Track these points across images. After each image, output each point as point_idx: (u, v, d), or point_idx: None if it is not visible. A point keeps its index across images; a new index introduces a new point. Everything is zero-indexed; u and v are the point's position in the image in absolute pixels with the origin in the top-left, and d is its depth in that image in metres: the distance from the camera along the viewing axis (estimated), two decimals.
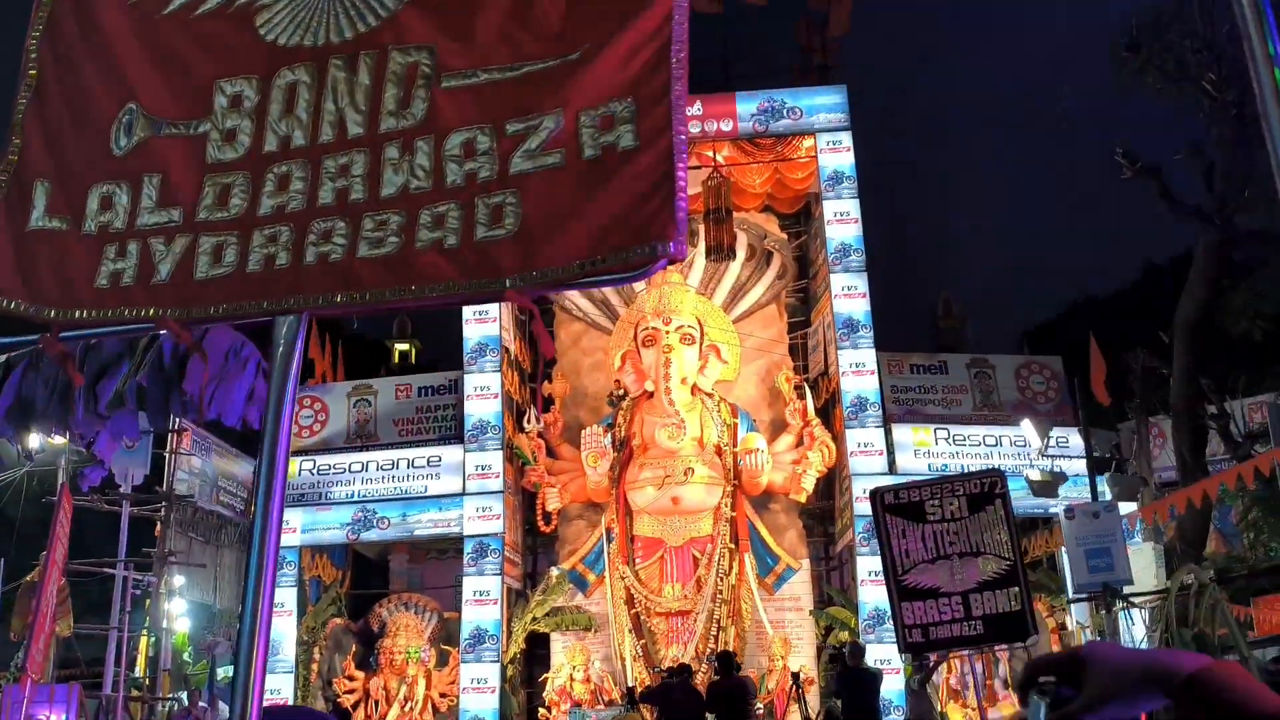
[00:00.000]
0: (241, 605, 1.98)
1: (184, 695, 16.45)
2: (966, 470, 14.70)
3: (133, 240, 2.39)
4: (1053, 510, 17.31)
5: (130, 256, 2.37)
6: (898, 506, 7.87)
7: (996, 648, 11.01)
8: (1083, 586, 8.86)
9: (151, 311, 2.30)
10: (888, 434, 18.64)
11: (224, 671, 21.03)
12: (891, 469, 18.17)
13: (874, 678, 9.50)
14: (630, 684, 17.88)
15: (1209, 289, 13.29)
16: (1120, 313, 33.86)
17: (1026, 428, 14.37)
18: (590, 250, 2.07)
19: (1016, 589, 7.49)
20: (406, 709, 18.51)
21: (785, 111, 19.97)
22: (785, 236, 21.58)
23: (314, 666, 19.02)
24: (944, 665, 14.62)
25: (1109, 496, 12.09)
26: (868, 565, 17.81)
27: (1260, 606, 10.80)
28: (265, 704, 1.94)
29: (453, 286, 2.15)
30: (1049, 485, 12.19)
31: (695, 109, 19.91)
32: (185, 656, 19.50)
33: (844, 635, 18.41)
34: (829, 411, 20.13)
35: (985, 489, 7.79)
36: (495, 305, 19.35)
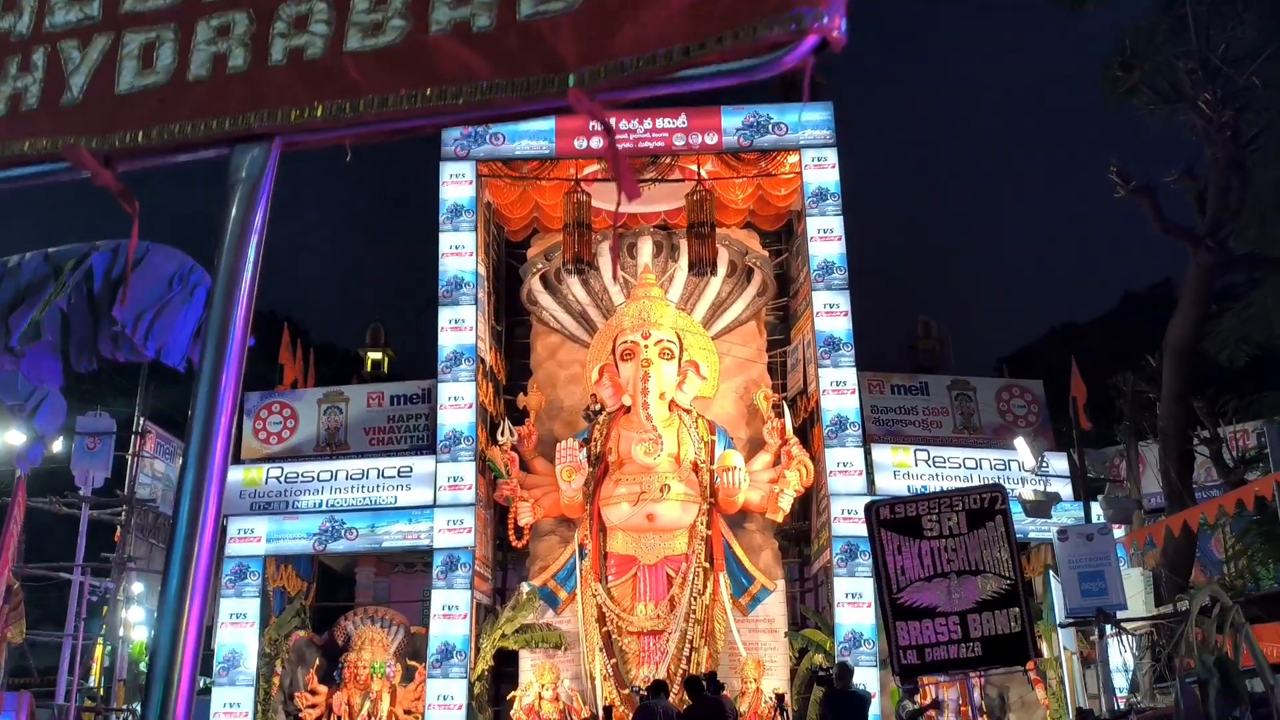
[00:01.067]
0: (166, 562, 1.52)
1: (138, 706, 15.93)
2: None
3: (39, 47, 1.83)
4: (1031, 536, 17.15)
5: (35, 70, 1.81)
6: (893, 521, 7.56)
7: (973, 673, 10.72)
8: (1075, 611, 8.57)
9: (60, 141, 1.72)
10: (867, 454, 18.41)
11: None
12: (870, 489, 17.93)
13: (863, 701, 9.14)
14: (605, 703, 17.53)
15: (1200, 312, 13.14)
16: (1099, 340, 33.97)
17: (1020, 446, 14.16)
18: (693, 27, 1.42)
19: (1017, 610, 7.19)
20: None
21: (770, 127, 19.80)
22: (767, 254, 21.39)
23: (275, 680, 18.52)
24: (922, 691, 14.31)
25: (1103, 519, 11.86)
26: (845, 587, 17.59)
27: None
28: None
29: (489, 90, 1.52)
30: (1042, 505, 11.95)
31: (680, 121, 19.75)
32: (142, 666, 18.91)
33: (818, 658, 18.14)
34: (807, 431, 19.91)
35: (985, 504, 7.50)
36: (471, 312, 19.00)
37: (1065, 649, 14.48)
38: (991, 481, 10.97)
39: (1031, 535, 16.99)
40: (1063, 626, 9.85)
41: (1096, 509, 12.81)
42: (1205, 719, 5.87)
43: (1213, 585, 7.64)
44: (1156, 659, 10.54)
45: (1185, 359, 13.22)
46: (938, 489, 17.30)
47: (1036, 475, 13.46)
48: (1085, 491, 12.05)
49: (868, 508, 7.92)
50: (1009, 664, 7.53)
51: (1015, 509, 12.28)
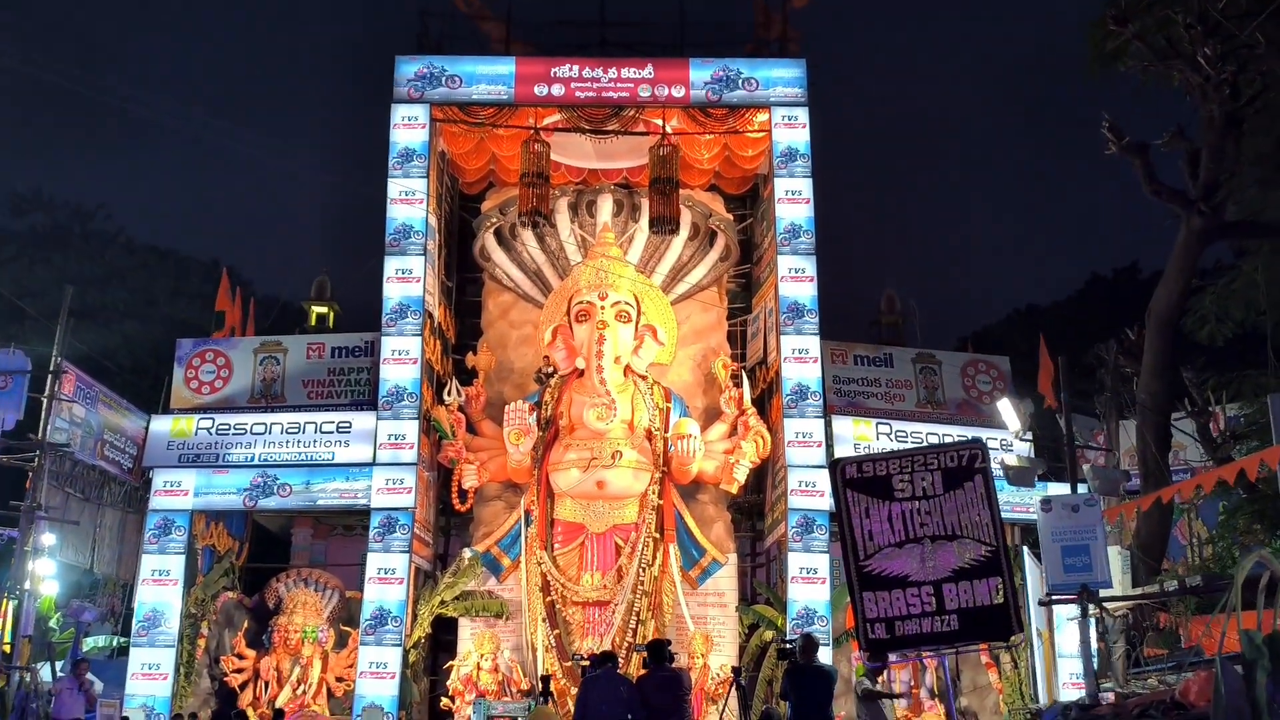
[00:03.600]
0: None
1: (42, 666, 15.00)
2: None
3: None
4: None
5: None
6: (861, 481, 6.81)
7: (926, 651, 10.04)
8: (1058, 588, 7.88)
9: None
10: (827, 425, 17.75)
11: (92, 641, 19.46)
12: None
13: (828, 676, 8.40)
14: (544, 673, 16.80)
15: (1188, 280, 12.55)
16: (1062, 322, 33.65)
17: (1005, 408, 13.48)
18: None
19: (999, 580, 6.47)
20: (299, 692, 17.29)
21: (741, 82, 19.00)
22: (731, 217, 20.61)
23: (201, 642, 17.71)
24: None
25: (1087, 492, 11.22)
26: (799, 562, 17.00)
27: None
28: None
29: None
30: (1025, 472, 11.29)
31: (646, 72, 18.94)
32: (52, 623, 17.94)
33: (768, 634, 17.54)
34: (765, 402, 19.27)
35: (964, 463, 6.76)
36: (419, 263, 18.07)
37: (1038, 630, 13.90)
38: (970, 438, 10.23)
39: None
40: (1043, 604, 9.20)
41: (1082, 486, 12.19)
42: (1251, 704, 5.19)
43: (1262, 552, 6.98)
44: (1131, 643, 9.97)
45: (1169, 329, 12.62)
46: None
47: (1020, 439, 12.81)
48: (1071, 459, 11.39)
49: (832, 465, 7.16)
50: (990, 639, 6.85)
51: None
